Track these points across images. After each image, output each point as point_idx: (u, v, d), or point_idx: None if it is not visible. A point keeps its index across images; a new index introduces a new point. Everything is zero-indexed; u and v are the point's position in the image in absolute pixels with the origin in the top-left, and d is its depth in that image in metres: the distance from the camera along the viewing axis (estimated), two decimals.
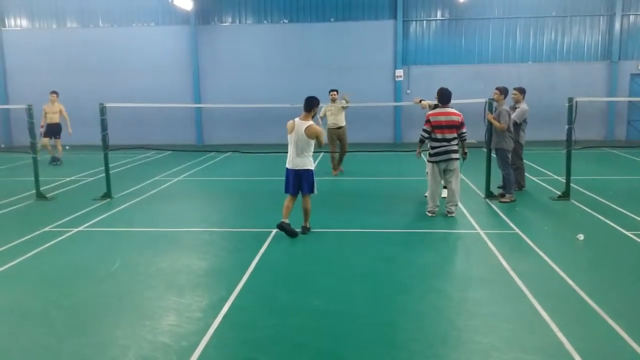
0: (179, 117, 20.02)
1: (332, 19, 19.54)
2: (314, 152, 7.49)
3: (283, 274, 6.18)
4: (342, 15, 19.50)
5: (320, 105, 7.80)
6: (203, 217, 9.13)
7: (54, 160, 15.08)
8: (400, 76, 19.38)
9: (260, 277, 6.03)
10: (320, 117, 12.49)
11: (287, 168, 7.46)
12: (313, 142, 7.29)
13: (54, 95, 14.99)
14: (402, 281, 5.87)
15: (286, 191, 7.53)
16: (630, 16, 18.77)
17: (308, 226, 7.66)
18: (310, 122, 7.26)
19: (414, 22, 19.42)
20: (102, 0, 20.02)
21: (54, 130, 14.91)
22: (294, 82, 18.98)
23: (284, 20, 19.74)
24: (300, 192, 7.50)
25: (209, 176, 13.05)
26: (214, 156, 15.94)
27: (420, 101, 10.02)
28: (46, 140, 14.84)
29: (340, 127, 12.53)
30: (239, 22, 19.92)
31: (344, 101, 12.54)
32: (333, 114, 12.45)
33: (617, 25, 18.65)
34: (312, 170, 7.45)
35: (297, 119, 7.33)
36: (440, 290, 5.58)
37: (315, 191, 7.56)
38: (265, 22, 19.81)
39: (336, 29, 19.51)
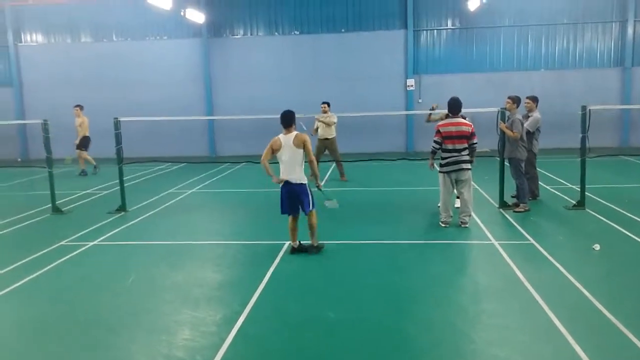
0: (192, 129, 20.19)
1: (342, 30, 19.65)
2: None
3: (296, 287, 6.20)
4: (353, 25, 19.61)
5: (297, 117, 7.58)
6: (217, 229, 9.19)
7: (82, 172, 15.59)
8: (412, 85, 19.41)
9: (274, 290, 6.05)
10: (314, 131, 12.69)
11: (281, 187, 7.16)
12: (302, 152, 6.99)
13: (77, 109, 15.47)
14: (416, 293, 5.86)
15: (283, 212, 7.22)
16: None
17: (316, 244, 7.32)
18: (296, 132, 7.05)
19: (424, 31, 19.47)
20: (116, 15, 20.34)
21: (79, 143, 15.46)
22: (305, 93, 19.04)
23: (295, 32, 19.89)
24: (301, 210, 7.20)
25: (223, 188, 13.14)
26: (228, 167, 16.05)
27: (433, 108, 9.98)
28: (77, 152, 15.50)
29: (328, 139, 12.86)
30: (251, 34, 20.11)
31: (331, 119, 12.80)
32: (322, 127, 12.79)
33: (630, 31, 18.53)
34: (306, 184, 7.12)
35: (281, 136, 7.06)
36: (454, 301, 5.56)
37: (313, 206, 7.18)
38: (276, 33, 19.99)
39: (347, 40, 19.63)
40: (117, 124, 10.29)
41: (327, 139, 12.87)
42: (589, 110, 9.17)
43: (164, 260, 7.25)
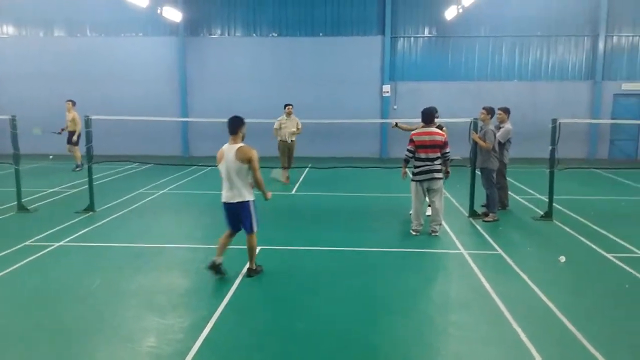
0: (165, 128, 19.92)
1: (320, 34, 19.68)
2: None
3: (265, 295, 6.14)
4: (331, 30, 19.64)
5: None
6: (187, 232, 9.07)
7: (76, 167, 15.43)
8: (388, 92, 19.52)
9: (243, 297, 5.98)
10: (276, 130, 13.29)
11: (222, 202, 6.43)
12: (246, 168, 6.18)
13: (68, 103, 15.40)
14: (385, 302, 5.86)
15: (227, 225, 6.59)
16: (614, 37, 19.13)
17: (254, 267, 6.60)
18: (241, 144, 6.23)
19: (401, 38, 19.61)
20: (90, 10, 19.97)
21: (68, 138, 15.40)
22: (282, 96, 18.78)
23: (273, 34, 19.83)
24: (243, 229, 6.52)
25: (194, 189, 12.99)
26: (200, 168, 15.87)
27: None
28: (67, 147, 15.51)
29: (293, 141, 13.45)
30: (228, 35, 19.98)
31: (297, 126, 13.47)
32: (287, 128, 13.23)
33: (601, 46, 18.99)
34: (249, 202, 6.31)
35: (225, 146, 6.29)
36: (423, 312, 5.59)
37: (256, 227, 6.43)
38: (254, 35, 19.89)
39: (325, 44, 19.66)
40: (88, 122, 10.08)
41: (292, 140, 13.39)
42: (559, 123, 9.34)
43: (131, 263, 7.12)
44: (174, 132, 20.12)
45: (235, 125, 6.28)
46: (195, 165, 15.78)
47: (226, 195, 6.33)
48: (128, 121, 18.27)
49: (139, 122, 18.49)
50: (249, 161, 6.16)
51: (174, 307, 5.68)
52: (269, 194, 6.60)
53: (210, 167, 15.92)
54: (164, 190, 12.55)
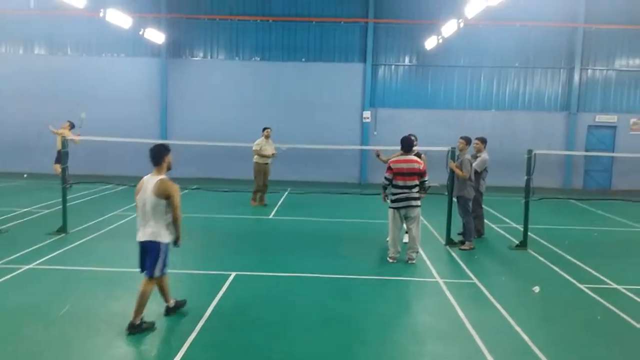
0: (144, 150, 19.64)
1: (303, 59, 19.83)
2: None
3: (239, 323, 6.03)
4: (314, 56, 19.81)
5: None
6: None
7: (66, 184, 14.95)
8: (368, 117, 19.69)
9: (216, 325, 5.89)
10: (255, 151, 13.36)
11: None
12: (164, 204, 5.52)
13: (67, 124, 15.27)
14: (360, 331, 5.81)
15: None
16: (589, 70, 19.62)
17: (137, 323, 5.53)
18: (162, 177, 5.59)
19: (382, 66, 19.87)
20: (72, 29, 19.86)
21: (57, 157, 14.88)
22: (264, 120, 18.55)
23: (256, 58, 19.94)
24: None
25: None
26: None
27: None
28: (55, 166, 14.72)
29: (267, 164, 13.58)
30: (211, 57, 20.02)
31: (278, 149, 13.73)
32: (266, 151, 13.47)
33: (577, 78, 19.46)
34: (161, 243, 5.57)
35: (146, 177, 5.68)
36: (397, 342, 5.56)
37: (158, 273, 5.64)
38: (237, 58, 19.97)
39: (307, 69, 19.80)
40: (64, 143, 9.96)
41: (267, 163, 13.54)
42: (534, 154, 9.50)
43: (102, 288, 6.98)
44: None
45: (159, 155, 5.65)
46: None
47: (139, 234, 5.63)
48: (107, 142, 18.11)
49: (118, 143, 18.34)
50: (167, 197, 5.49)
51: (144, 335, 5.55)
52: (180, 242, 5.82)
53: (187, 190, 15.82)
54: None
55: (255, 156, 13.42)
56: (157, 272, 5.65)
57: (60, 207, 10.23)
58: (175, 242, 5.78)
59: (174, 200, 5.53)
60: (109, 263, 8.18)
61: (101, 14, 14.71)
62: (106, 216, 11.71)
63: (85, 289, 6.93)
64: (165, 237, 5.61)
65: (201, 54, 20.04)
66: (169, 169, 5.74)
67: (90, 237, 9.80)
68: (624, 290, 7.44)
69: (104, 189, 15.78)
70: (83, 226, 10.56)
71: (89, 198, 14.28)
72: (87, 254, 8.67)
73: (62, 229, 9.94)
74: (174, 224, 5.67)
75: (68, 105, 19.62)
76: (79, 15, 18.50)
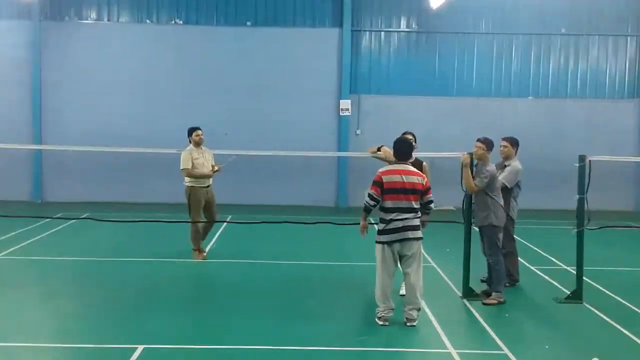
0: (9, 160, 19.32)
1: (248, 23, 19.80)
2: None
3: None
4: (264, 18, 19.84)
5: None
6: (37, 324, 8.69)
7: None
8: (347, 109, 19.66)
9: None
10: (185, 171, 11.90)
11: None
12: None
13: None
14: None
15: None
16: None
17: None
18: None
19: (367, 32, 20.00)
20: None
21: None
22: (187, 113, 18.56)
23: (177, 21, 19.86)
24: None
25: (47, 254, 12.74)
26: (60, 220, 15.56)
27: (378, 149, 9.86)
28: None
29: (209, 186, 12.16)
30: (108, 20, 19.94)
31: (213, 162, 12.31)
32: (202, 166, 11.97)
33: None
34: None
35: None
36: None
37: None
38: (147, 21, 19.88)
39: (255, 38, 19.79)
40: None
41: (208, 185, 12.18)
42: (590, 161, 9.59)
43: None
44: (21, 166, 19.63)
45: None
46: (49, 217, 15.43)
47: None
48: None
49: None
50: None
51: None
52: None
53: (72, 220, 15.62)
54: (1, 255, 12.16)
55: (187, 178, 12.18)
56: None
57: None
58: None
59: None
60: None
61: None
62: None
63: None
64: None
65: (94, 15, 19.93)
66: None
67: None
68: None
69: None
70: None
71: None
72: None
73: None
74: None
75: None
76: None
